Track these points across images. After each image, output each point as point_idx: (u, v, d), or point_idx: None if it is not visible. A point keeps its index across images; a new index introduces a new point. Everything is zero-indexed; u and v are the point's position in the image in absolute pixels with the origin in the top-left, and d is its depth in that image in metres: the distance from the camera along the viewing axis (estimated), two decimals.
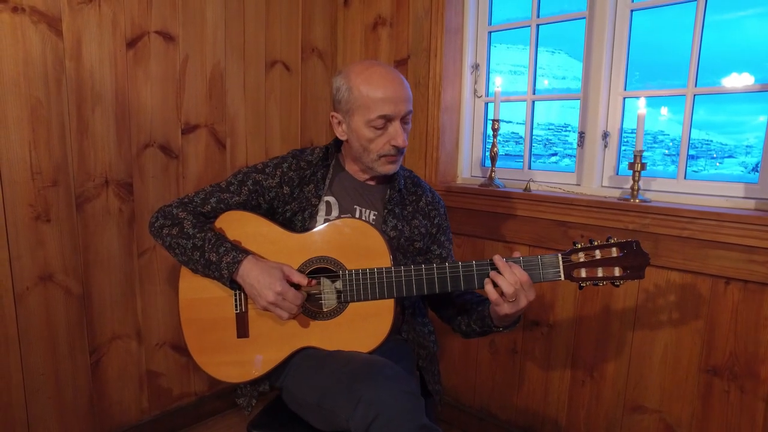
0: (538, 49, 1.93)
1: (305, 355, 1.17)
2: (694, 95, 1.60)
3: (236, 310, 1.20)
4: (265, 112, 2.17)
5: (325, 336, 1.16)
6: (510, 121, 1.86)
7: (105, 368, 1.81)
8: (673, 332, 1.56)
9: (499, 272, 1.07)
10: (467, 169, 2.14)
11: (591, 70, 1.76)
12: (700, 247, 1.47)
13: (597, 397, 1.74)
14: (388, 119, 1.19)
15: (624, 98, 1.74)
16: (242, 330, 1.19)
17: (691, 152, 1.61)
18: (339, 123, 1.27)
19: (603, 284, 1.07)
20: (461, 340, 2.09)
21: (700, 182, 1.61)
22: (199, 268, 1.17)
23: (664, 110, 1.83)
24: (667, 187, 1.67)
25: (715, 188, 1.58)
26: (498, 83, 1.91)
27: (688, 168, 1.64)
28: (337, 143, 1.36)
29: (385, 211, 1.29)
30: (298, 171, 1.30)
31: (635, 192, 1.61)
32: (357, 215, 1.29)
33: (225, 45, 2.00)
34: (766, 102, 1.52)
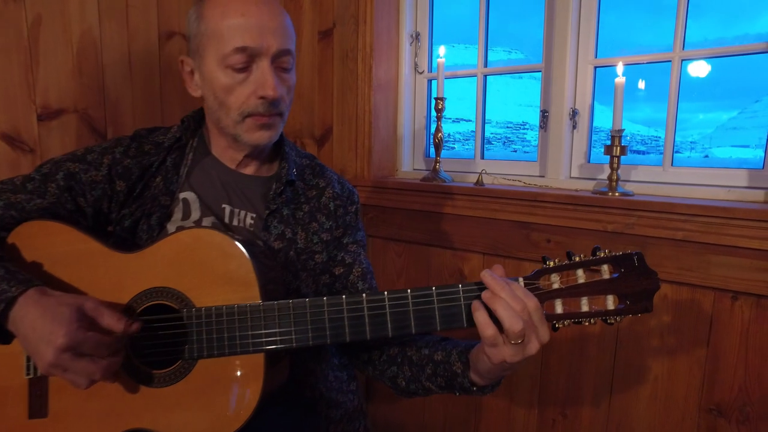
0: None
1: None
2: (682, 60, 1.28)
3: (27, 373, 0.77)
4: (161, 96, 1.73)
5: (163, 413, 0.75)
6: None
7: None
8: (666, 361, 1.22)
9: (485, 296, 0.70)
10: (407, 161, 1.76)
11: (554, 35, 1.41)
12: (699, 253, 1.13)
13: None
14: (250, 55, 0.82)
15: (595, 67, 1.41)
16: (37, 406, 0.76)
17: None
18: (191, 72, 0.89)
19: (590, 323, 0.69)
20: None
21: (692, 169, 1.28)
22: None
23: (641, 84, 1.51)
24: (651, 177, 1.34)
25: (712, 177, 1.25)
26: (441, 53, 1.54)
27: (674, 154, 1.32)
28: (200, 115, 0.97)
29: (267, 212, 0.90)
30: (139, 158, 0.90)
31: (614, 183, 1.26)
32: (226, 218, 0.89)
33: (98, 6, 1.56)
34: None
